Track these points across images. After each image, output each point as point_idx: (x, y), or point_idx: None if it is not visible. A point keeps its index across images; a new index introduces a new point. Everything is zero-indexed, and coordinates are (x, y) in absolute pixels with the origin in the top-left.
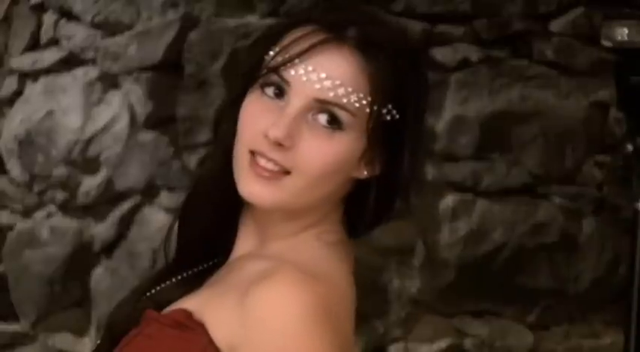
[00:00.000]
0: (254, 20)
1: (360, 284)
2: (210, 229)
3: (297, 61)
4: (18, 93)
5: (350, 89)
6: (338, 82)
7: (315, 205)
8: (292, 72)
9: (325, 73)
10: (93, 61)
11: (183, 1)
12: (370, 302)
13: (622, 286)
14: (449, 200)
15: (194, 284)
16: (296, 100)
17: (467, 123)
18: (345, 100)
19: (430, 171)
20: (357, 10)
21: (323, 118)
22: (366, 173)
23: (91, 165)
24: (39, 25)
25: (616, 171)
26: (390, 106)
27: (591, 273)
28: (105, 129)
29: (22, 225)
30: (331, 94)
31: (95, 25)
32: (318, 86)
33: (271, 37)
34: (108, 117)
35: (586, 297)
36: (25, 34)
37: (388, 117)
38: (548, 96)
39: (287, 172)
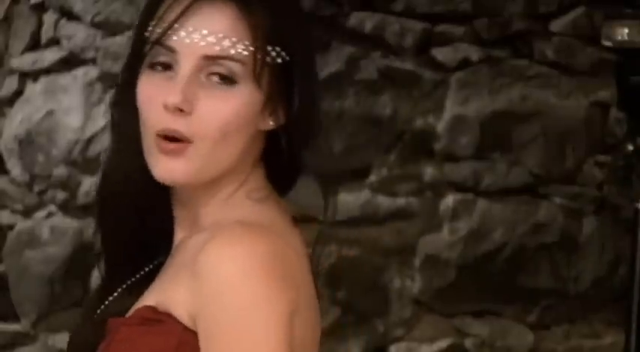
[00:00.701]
0: None
1: (363, 284)
2: (141, 228)
3: (176, 26)
4: (18, 93)
5: (234, 39)
6: (221, 35)
7: (232, 167)
8: (174, 38)
9: (206, 30)
10: (93, 61)
11: None
12: (371, 301)
13: (622, 286)
14: (449, 200)
15: (145, 284)
16: (185, 63)
17: (467, 123)
18: (232, 51)
19: (430, 171)
20: None
21: (215, 77)
22: (272, 123)
23: (91, 165)
24: (39, 25)
25: (616, 171)
26: (278, 49)
27: (592, 273)
28: (105, 129)
29: (22, 224)
30: (217, 48)
31: (95, 25)
32: (203, 43)
33: (147, 13)
34: (108, 117)
35: (586, 297)
36: (25, 33)
37: (279, 60)
38: (549, 96)
39: (190, 142)
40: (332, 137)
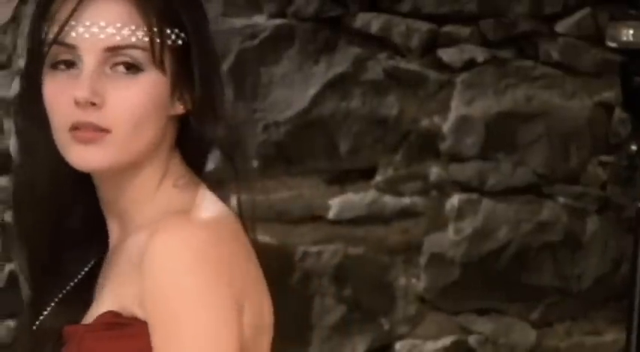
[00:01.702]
0: (261, 21)
1: (368, 282)
2: (63, 233)
3: (72, 22)
4: None
5: (133, 27)
6: (119, 25)
7: (150, 155)
8: (73, 34)
9: (104, 21)
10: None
11: None
12: (376, 299)
13: (624, 284)
14: (454, 199)
15: (85, 289)
16: (88, 58)
17: (472, 123)
18: (133, 39)
19: (436, 171)
20: None
21: (120, 67)
22: (181, 107)
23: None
24: None
25: (620, 171)
26: (176, 30)
27: (594, 272)
28: None
29: None
30: (118, 38)
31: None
32: (102, 36)
33: (39, 14)
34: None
35: (589, 295)
36: None
37: (179, 42)
38: (554, 97)
39: (107, 131)
40: (338, 137)
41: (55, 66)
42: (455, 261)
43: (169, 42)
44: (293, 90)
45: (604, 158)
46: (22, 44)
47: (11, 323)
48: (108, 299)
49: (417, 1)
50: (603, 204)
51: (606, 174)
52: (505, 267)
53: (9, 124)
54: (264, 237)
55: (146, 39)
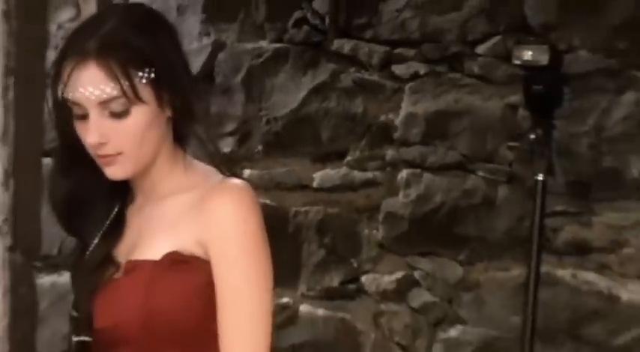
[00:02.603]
0: (265, 45)
1: (342, 233)
2: (95, 192)
3: (72, 87)
4: None
5: (112, 84)
6: (102, 86)
7: (159, 153)
8: (77, 95)
9: (91, 87)
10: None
11: (214, 30)
12: (348, 245)
13: (526, 234)
14: (404, 173)
15: (118, 229)
16: (90, 111)
17: (417, 118)
18: (116, 92)
19: (390, 153)
20: (87, 27)
21: (114, 114)
22: (169, 114)
23: None
24: None
25: (522, 153)
26: (146, 70)
27: (504, 225)
28: None
29: None
30: (104, 96)
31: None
32: (93, 97)
33: (56, 74)
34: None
35: (500, 242)
36: None
37: (152, 75)
38: (475, 100)
39: (120, 153)
40: (320, 129)
41: (77, 117)
42: (404, 218)
43: (143, 80)
44: (287, 95)
45: (511, 144)
46: None
47: None
48: (164, 242)
49: (377, 31)
50: (511, 177)
51: (513, 155)
52: (440, 222)
53: None
54: (266, 201)
55: (126, 89)
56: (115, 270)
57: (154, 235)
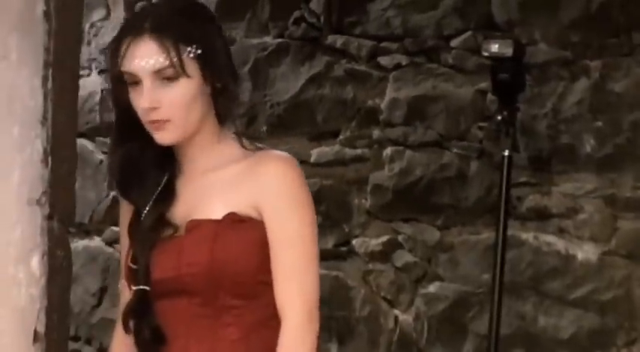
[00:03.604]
0: (269, 40)
1: (335, 202)
2: (150, 159)
3: (129, 60)
4: None
5: (164, 55)
6: (155, 54)
7: (202, 124)
8: (133, 66)
9: (147, 57)
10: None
11: (225, 28)
12: (340, 212)
13: (494, 202)
14: (388, 150)
15: (169, 194)
16: (144, 79)
17: (399, 103)
18: (166, 62)
19: (377, 133)
20: (142, 11)
21: (165, 81)
22: (210, 89)
23: None
24: None
25: (491, 132)
26: (194, 46)
27: (475, 195)
28: None
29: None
30: (157, 65)
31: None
32: (148, 66)
33: (114, 51)
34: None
35: (472, 210)
36: None
37: (198, 51)
38: (449, 86)
39: (168, 120)
40: (316, 112)
41: (130, 85)
42: (389, 189)
43: (190, 55)
44: (288, 83)
45: (481, 124)
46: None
47: None
48: (222, 204)
49: (365, 28)
50: (481, 153)
51: (482, 134)
52: (420, 192)
53: None
54: None
55: (175, 60)
56: (172, 231)
57: (212, 200)
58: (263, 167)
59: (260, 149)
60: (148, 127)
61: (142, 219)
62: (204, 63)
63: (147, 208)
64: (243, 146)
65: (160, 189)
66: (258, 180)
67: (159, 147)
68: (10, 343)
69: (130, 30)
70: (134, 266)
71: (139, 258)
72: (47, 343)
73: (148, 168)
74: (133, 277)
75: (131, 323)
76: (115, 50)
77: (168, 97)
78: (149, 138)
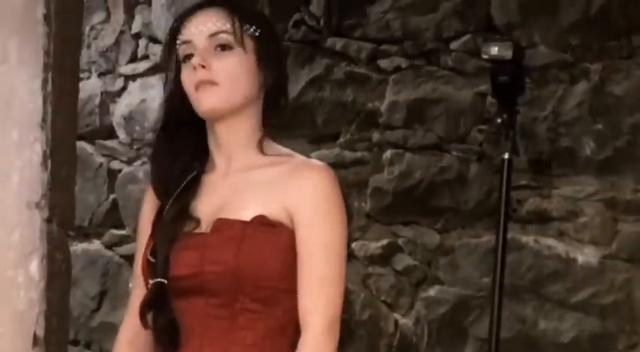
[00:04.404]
0: None
1: None
2: (184, 155)
3: (187, 29)
4: (124, 88)
5: (223, 22)
6: (215, 20)
7: (246, 109)
8: (189, 33)
9: (206, 22)
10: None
11: None
12: None
13: (494, 205)
14: (388, 153)
15: (192, 189)
16: (198, 43)
17: (399, 105)
18: (224, 27)
19: (376, 135)
20: None
21: (219, 48)
22: (261, 79)
23: None
24: (137, 46)
25: (490, 135)
26: (253, 26)
27: (475, 198)
28: None
29: (126, 169)
30: (214, 28)
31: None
32: (205, 29)
33: (174, 29)
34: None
35: (472, 213)
36: (128, 51)
37: (256, 33)
38: (449, 89)
39: (215, 83)
40: (316, 115)
41: (184, 60)
42: (389, 192)
43: (249, 31)
44: (288, 85)
45: (481, 127)
46: (121, 58)
47: None
48: (253, 207)
49: (365, 30)
50: (480, 156)
51: (482, 137)
52: (420, 195)
53: (113, 107)
54: None
55: (231, 27)
56: (194, 225)
57: (243, 200)
58: (302, 173)
59: (294, 155)
60: (194, 95)
61: (164, 212)
62: (262, 46)
63: (170, 201)
64: (279, 151)
65: (185, 183)
66: (294, 187)
67: (197, 140)
68: (9, 347)
69: (195, 7)
70: (153, 260)
71: (158, 250)
72: (46, 347)
73: (180, 158)
74: (151, 271)
75: (149, 317)
76: (174, 30)
77: (221, 63)
78: (189, 130)
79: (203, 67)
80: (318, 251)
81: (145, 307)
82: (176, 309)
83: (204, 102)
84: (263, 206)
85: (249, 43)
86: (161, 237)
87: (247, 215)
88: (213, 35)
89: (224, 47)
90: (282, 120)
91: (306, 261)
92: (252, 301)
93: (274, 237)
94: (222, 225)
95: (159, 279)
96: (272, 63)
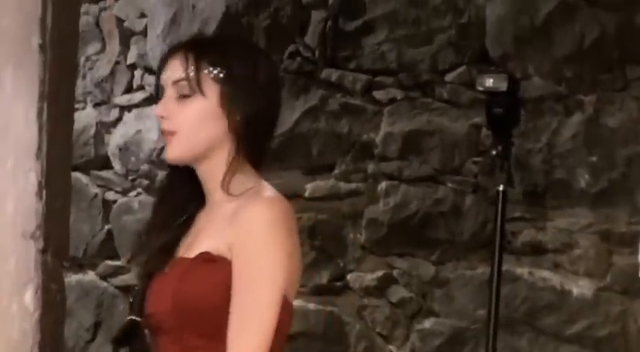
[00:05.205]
0: None
1: (330, 236)
2: (179, 192)
3: (163, 70)
4: (119, 119)
5: (184, 67)
6: (177, 68)
7: (212, 154)
8: (162, 77)
9: (172, 68)
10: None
11: None
12: (335, 247)
13: (489, 237)
14: (383, 184)
15: (184, 229)
16: (167, 89)
17: (394, 137)
18: (183, 75)
19: (372, 167)
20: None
21: (180, 95)
22: (227, 122)
23: (164, 163)
24: (132, 77)
25: (485, 166)
26: (218, 68)
27: (470, 230)
28: None
29: (121, 200)
30: (175, 76)
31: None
32: (171, 75)
33: (158, 69)
34: None
35: (467, 244)
36: (123, 82)
37: (221, 75)
38: (444, 121)
39: (174, 132)
40: (311, 145)
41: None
42: (384, 223)
43: (212, 74)
44: (284, 116)
45: (476, 158)
46: (116, 88)
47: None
48: (204, 243)
49: (360, 62)
50: (475, 188)
51: (477, 168)
52: (415, 227)
53: (108, 137)
54: None
55: (191, 74)
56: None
57: (200, 237)
58: (245, 207)
59: (257, 188)
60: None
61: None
62: (226, 88)
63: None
64: (245, 186)
65: (175, 222)
66: (236, 221)
67: (193, 180)
68: None
69: (169, 49)
70: (130, 299)
71: (137, 287)
72: None
73: (177, 199)
74: (130, 307)
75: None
76: (158, 66)
77: (181, 112)
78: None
79: (162, 117)
80: (244, 285)
81: (115, 342)
82: (154, 345)
83: (168, 152)
84: (211, 242)
85: (211, 88)
86: (139, 274)
87: (198, 252)
88: (175, 82)
89: (184, 95)
90: (276, 150)
91: (235, 294)
92: (198, 337)
93: (213, 272)
94: (175, 263)
95: (131, 317)
96: (239, 102)
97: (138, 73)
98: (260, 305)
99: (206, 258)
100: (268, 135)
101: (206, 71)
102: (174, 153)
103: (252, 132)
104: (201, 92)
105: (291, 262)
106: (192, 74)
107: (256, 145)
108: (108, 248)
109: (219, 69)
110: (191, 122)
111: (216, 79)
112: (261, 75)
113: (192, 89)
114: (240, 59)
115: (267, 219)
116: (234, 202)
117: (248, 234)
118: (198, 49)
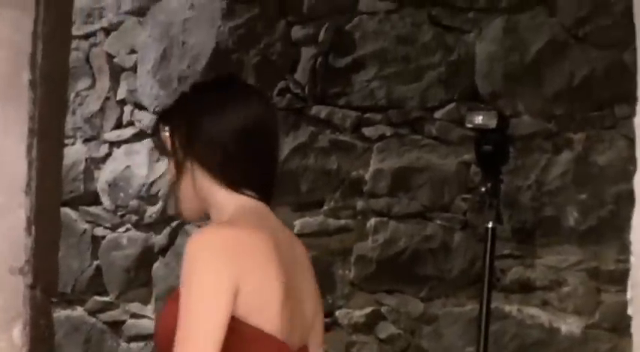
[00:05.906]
0: None
1: (319, 273)
2: None
3: None
4: (108, 155)
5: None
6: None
7: (208, 198)
8: None
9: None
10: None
11: None
12: (324, 284)
13: (478, 274)
14: (372, 221)
15: None
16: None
17: (383, 174)
18: (157, 143)
19: (361, 203)
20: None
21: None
22: (189, 167)
23: (152, 199)
24: (122, 113)
25: (475, 204)
26: (166, 127)
27: (459, 267)
28: (161, 176)
29: (110, 235)
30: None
31: (156, 112)
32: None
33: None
34: (163, 169)
35: (456, 281)
36: (113, 118)
37: (167, 132)
38: (433, 158)
39: (170, 190)
40: (300, 182)
41: None
42: (372, 260)
43: (167, 133)
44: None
45: (465, 196)
46: (106, 124)
47: None
48: None
49: (349, 98)
50: (464, 225)
51: (466, 205)
52: (404, 264)
53: (97, 173)
54: None
55: (156, 142)
56: None
57: None
58: None
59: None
60: None
61: None
62: (174, 139)
63: None
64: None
65: None
66: None
67: None
68: None
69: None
70: None
71: None
72: None
73: None
74: None
75: None
76: None
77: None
78: None
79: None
80: (180, 315)
81: None
82: None
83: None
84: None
85: (169, 143)
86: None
87: None
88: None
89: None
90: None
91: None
92: None
93: (174, 306)
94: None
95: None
96: (185, 145)
97: (128, 108)
98: (186, 333)
99: (176, 292)
100: (234, 154)
101: (164, 133)
102: (177, 212)
103: (217, 165)
104: (165, 152)
105: (244, 287)
106: (156, 140)
107: (221, 167)
108: (97, 283)
109: (167, 126)
110: (171, 183)
111: (170, 134)
112: (204, 104)
113: (163, 153)
114: (183, 101)
115: (193, 253)
116: None
117: (182, 269)
118: (159, 116)
